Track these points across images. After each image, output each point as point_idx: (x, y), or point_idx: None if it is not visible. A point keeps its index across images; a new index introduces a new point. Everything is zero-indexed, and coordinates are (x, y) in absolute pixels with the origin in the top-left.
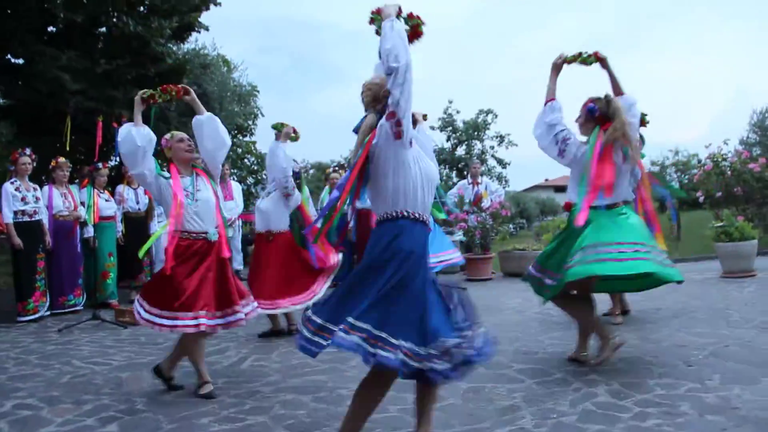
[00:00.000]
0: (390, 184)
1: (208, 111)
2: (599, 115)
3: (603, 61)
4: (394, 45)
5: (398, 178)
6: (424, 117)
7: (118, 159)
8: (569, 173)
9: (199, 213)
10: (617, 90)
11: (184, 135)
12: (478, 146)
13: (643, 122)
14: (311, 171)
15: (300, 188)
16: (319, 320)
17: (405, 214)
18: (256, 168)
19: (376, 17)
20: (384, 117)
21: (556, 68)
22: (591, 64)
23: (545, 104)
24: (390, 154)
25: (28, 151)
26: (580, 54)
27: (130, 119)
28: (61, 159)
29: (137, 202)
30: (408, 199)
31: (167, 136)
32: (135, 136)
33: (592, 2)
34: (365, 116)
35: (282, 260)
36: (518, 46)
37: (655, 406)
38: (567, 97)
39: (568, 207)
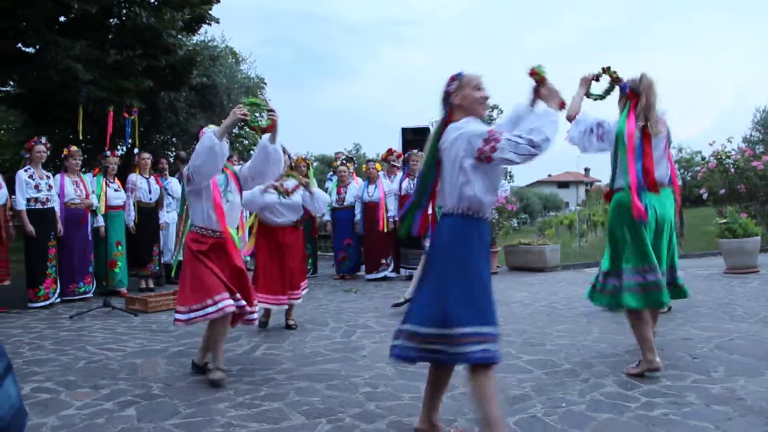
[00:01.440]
0: None
1: (216, 102)
2: (629, 91)
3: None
4: (547, 129)
5: None
6: None
7: (126, 149)
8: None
9: (227, 213)
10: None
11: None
12: None
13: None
14: (315, 164)
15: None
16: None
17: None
18: None
19: (540, 71)
20: (483, 145)
21: (585, 82)
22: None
23: (571, 119)
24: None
25: (43, 139)
26: (609, 68)
27: (141, 109)
28: (74, 148)
29: (149, 191)
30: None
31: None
32: (218, 153)
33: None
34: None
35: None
36: (525, 41)
37: (662, 396)
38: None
39: (609, 196)
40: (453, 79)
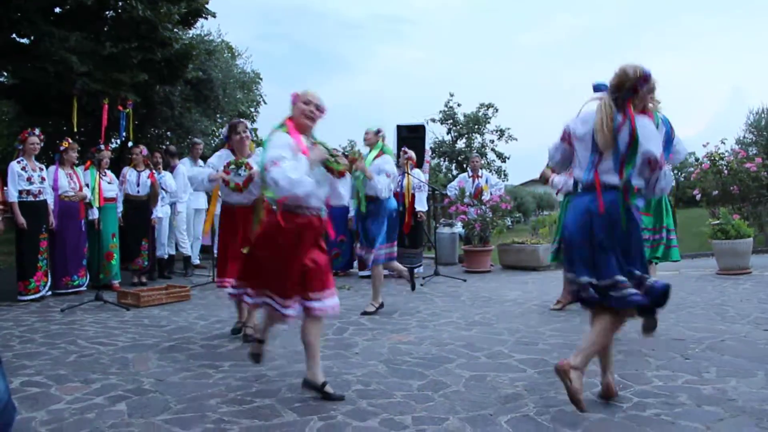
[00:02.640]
0: None
1: (212, 96)
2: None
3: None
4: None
5: None
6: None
7: (120, 141)
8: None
9: None
10: None
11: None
12: (478, 140)
13: None
14: None
15: None
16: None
17: None
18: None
19: None
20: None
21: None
22: None
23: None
24: None
25: (37, 131)
26: None
27: (136, 103)
28: (72, 141)
29: (137, 185)
30: None
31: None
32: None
33: (592, 1)
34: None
35: None
36: (521, 41)
37: (654, 396)
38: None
39: None
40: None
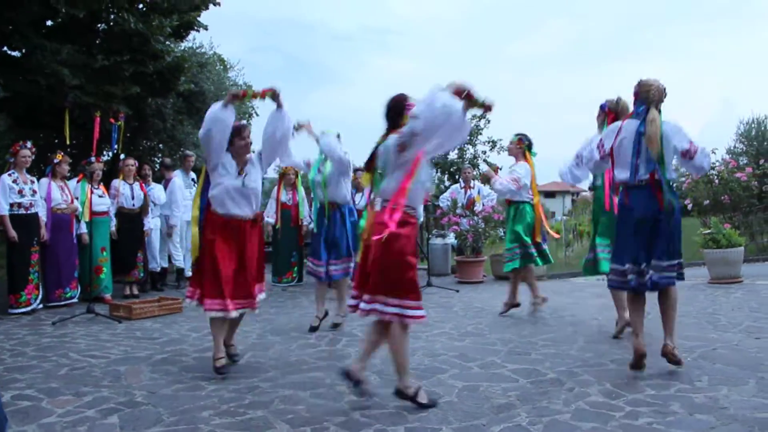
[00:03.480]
0: None
1: (204, 109)
2: (608, 109)
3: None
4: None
5: None
6: None
7: (112, 154)
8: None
9: None
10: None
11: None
12: (470, 151)
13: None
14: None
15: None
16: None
17: None
18: None
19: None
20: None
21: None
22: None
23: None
24: None
25: (29, 144)
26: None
27: (128, 115)
28: (63, 153)
29: (132, 197)
30: None
31: None
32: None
33: (582, 10)
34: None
35: None
36: (511, 52)
37: (646, 405)
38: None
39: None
40: None
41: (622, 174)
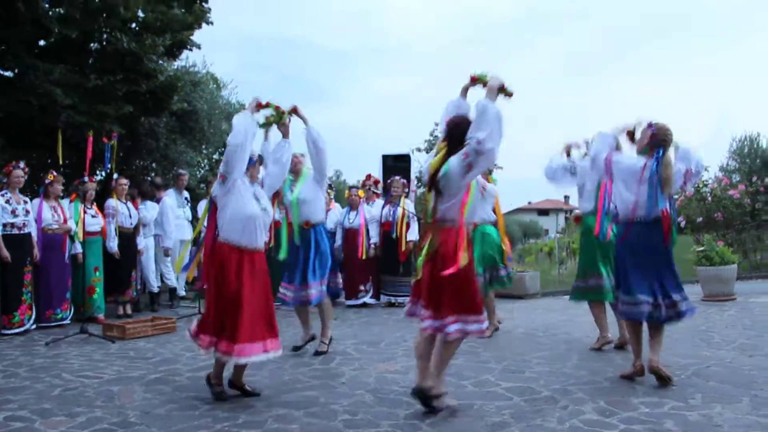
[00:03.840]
0: None
1: (197, 128)
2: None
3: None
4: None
5: None
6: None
7: (105, 174)
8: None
9: None
10: None
11: None
12: None
13: None
14: None
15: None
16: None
17: None
18: None
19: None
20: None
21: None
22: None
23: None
24: None
25: (21, 164)
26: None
27: (120, 135)
28: (55, 173)
29: (130, 216)
30: None
31: None
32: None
33: (576, 28)
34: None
35: None
36: (505, 70)
37: (640, 423)
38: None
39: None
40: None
41: (626, 206)
